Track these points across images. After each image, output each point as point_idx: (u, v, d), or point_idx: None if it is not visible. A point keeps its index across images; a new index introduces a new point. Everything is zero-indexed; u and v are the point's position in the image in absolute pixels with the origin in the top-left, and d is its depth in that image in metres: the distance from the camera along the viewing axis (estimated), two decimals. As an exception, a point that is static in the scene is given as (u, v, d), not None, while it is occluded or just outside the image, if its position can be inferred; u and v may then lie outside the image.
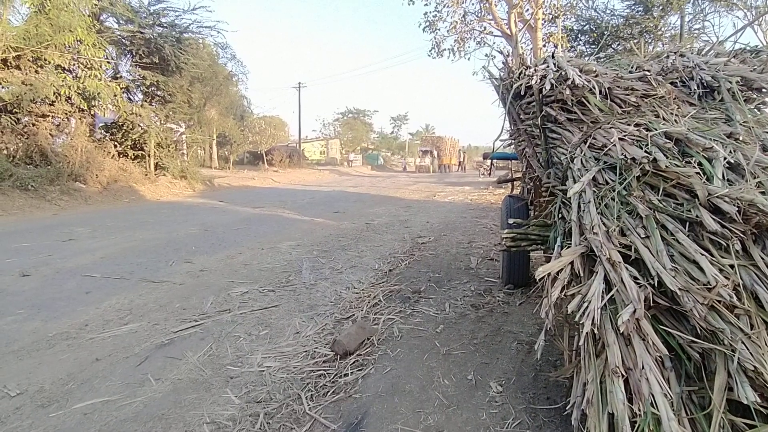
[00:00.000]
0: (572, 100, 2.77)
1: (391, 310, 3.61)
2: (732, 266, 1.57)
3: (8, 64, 11.15)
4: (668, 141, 2.08)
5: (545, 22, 15.67)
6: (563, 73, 2.87)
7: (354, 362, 2.74)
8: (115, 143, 13.75)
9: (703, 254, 1.59)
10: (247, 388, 2.45)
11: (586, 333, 1.53)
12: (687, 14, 13.33)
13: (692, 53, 3.41)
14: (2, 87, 11.16)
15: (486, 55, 17.21)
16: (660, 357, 1.45)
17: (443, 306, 3.72)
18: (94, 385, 2.47)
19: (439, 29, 17.02)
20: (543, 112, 2.94)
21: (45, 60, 11.36)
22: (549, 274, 1.82)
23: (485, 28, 17.18)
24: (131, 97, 14.63)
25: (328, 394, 2.39)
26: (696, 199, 1.78)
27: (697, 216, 1.73)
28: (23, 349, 2.93)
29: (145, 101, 14.79)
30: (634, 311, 1.47)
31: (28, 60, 11.38)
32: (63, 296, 4.01)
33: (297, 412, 2.22)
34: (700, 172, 1.88)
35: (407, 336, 3.13)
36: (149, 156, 14.49)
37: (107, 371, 2.63)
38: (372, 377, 2.56)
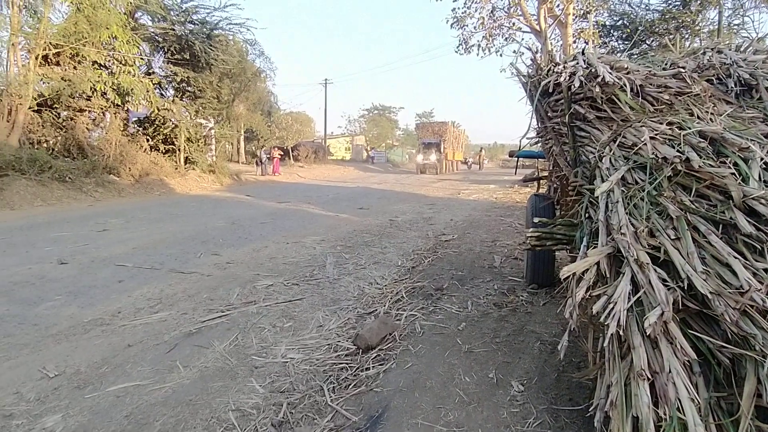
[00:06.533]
0: (602, 98, 2.71)
1: (413, 307, 3.62)
2: (766, 270, 1.52)
3: (49, 60, 11.63)
4: (702, 140, 2.02)
5: (576, 17, 15.29)
6: (593, 70, 2.81)
7: (376, 357, 2.76)
8: (147, 137, 14.18)
9: (736, 257, 1.55)
10: (271, 378, 2.51)
11: (611, 334, 1.51)
12: (726, 9, 12.80)
13: (730, 50, 3.29)
14: (43, 83, 11.64)
15: (514, 51, 16.93)
16: (688, 361, 1.42)
17: (466, 304, 3.71)
18: (126, 370, 2.58)
19: (466, 25, 16.83)
20: (571, 110, 2.89)
21: (82, 57, 11.80)
22: (574, 274, 1.79)
23: (514, 24, 16.89)
24: (163, 92, 15.06)
25: (350, 387, 2.43)
26: (730, 201, 1.73)
27: (731, 218, 1.68)
28: (61, 333, 3.08)
29: (176, 97, 15.20)
30: (662, 314, 1.44)
31: (67, 56, 11.85)
32: (98, 284, 4.18)
33: (319, 404, 2.26)
34: (736, 173, 1.82)
35: (429, 332, 3.14)
36: (179, 150, 14.90)
37: (138, 357, 2.74)
38: (393, 372, 2.58)
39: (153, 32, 14.14)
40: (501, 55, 17.58)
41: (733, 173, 1.80)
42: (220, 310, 3.54)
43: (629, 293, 1.58)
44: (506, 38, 17.12)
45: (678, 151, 1.98)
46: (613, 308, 1.53)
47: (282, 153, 25.56)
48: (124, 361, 2.69)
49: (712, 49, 3.30)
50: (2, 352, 2.78)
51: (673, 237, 1.70)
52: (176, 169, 14.61)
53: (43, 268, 4.66)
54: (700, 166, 1.86)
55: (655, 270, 1.59)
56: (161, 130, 14.49)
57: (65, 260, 4.97)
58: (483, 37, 16.93)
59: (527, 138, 4.06)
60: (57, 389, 2.37)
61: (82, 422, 2.09)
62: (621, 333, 1.51)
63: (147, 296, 3.86)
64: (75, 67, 11.97)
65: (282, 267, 4.89)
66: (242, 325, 3.25)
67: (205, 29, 14.81)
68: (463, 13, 16.61)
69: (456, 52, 17.65)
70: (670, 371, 1.36)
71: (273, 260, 5.19)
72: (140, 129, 14.70)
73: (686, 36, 13.19)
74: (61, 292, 3.93)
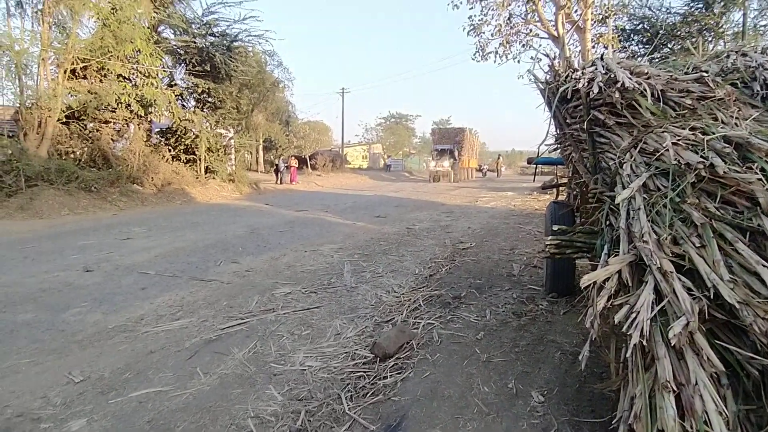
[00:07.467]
0: (622, 104, 2.67)
1: (431, 315, 3.60)
2: (797, 279, 1.46)
3: (77, 74, 12.03)
4: (727, 145, 1.97)
5: (595, 22, 15.13)
6: (612, 75, 2.78)
7: (393, 365, 2.75)
8: (169, 148, 14.52)
9: (765, 265, 1.50)
10: (290, 386, 2.52)
11: (634, 345, 1.47)
12: (752, 10, 12.52)
13: (756, 52, 3.22)
14: (71, 96, 12.04)
15: (531, 58, 16.82)
16: (716, 373, 1.38)
17: (484, 312, 3.67)
18: (148, 376, 2.62)
19: (483, 33, 16.80)
20: (590, 116, 2.85)
21: (108, 70, 12.17)
22: (595, 283, 1.77)
23: (531, 30, 16.80)
24: (184, 103, 15.41)
25: (368, 395, 2.42)
26: (758, 207, 1.68)
27: (758, 225, 1.63)
28: (86, 339, 3.15)
29: (197, 107, 15.52)
30: (687, 324, 1.40)
31: (94, 70, 12.24)
32: (121, 291, 4.27)
33: (337, 412, 2.26)
34: (763, 179, 1.77)
35: (447, 341, 3.11)
36: (200, 160, 15.19)
37: (160, 363, 2.78)
38: (411, 381, 2.57)
39: (175, 45, 14.51)
40: (518, 62, 17.49)
41: (760, 179, 1.75)
42: (240, 317, 3.58)
43: (653, 302, 1.54)
44: (523, 45, 17.02)
45: (702, 156, 1.93)
46: (636, 317, 1.50)
47: (297, 162, 25.76)
48: (146, 367, 2.74)
49: (736, 52, 3.23)
50: (31, 357, 2.86)
51: (697, 245, 1.66)
52: (197, 178, 14.89)
53: (69, 276, 4.78)
54: (725, 172, 1.81)
55: (679, 278, 1.56)
56: (183, 140, 14.80)
57: (90, 268, 5.10)
58: (500, 44, 16.88)
59: (546, 144, 4.03)
60: (82, 394, 2.42)
61: (106, 427, 2.13)
62: (644, 343, 1.48)
63: (169, 303, 3.93)
64: (101, 80, 12.35)
65: (300, 275, 4.93)
66: (261, 333, 3.28)
67: (225, 41, 15.13)
68: (479, 20, 16.61)
69: (473, 59, 17.61)
70: (696, 383, 1.32)
71: (291, 268, 5.23)
72: (163, 139, 15.05)
73: (709, 39, 12.93)
74: (87, 299, 4.03)
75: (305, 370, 2.71)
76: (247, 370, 2.71)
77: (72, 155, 12.26)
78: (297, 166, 24.71)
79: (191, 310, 3.77)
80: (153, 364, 2.78)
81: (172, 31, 14.76)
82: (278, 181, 21.73)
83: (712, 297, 1.50)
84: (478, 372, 2.66)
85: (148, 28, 12.89)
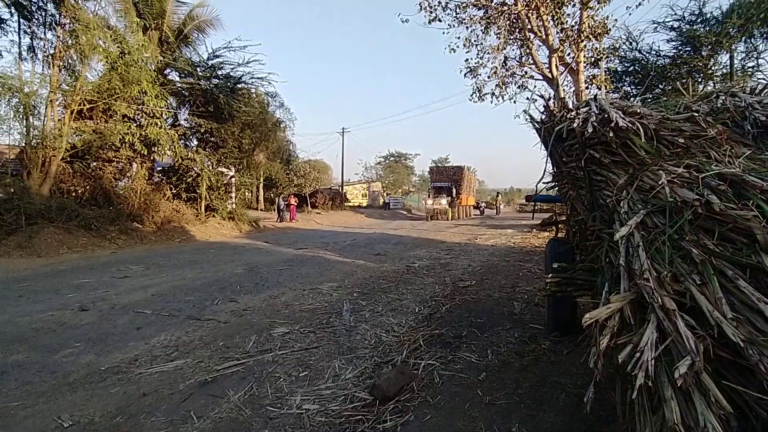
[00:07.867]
0: (616, 143, 2.72)
1: (431, 356, 3.52)
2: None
3: (83, 114, 12.31)
4: (722, 183, 2.00)
5: (587, 65, 15.61)
6: (606, 115, 2.84)
7: (393, 408, 2.67)
8: (171, 186, 14.63)
9: (767, 303, 1.49)
10: (286, 431, 2.44)
11: (640, 386, 1.44)
12: (739, 52, 12.93)
13: (744, 92, 3.31)
14: (76, 135, 12.27)
15: (527, 98, 17.20)
16: (724, 415, 1.34)
17: (486, 353, 3.60)
18: (140, 420, 2.54)
19: (480, 75, 17.29)
20: (586, 155, 2.90)
21: (114, 110, 12.46)
22: (597, 322, 1.74)
23: (526, 72, 17.31)
24: (187, 143, 15.68)
25: (367, 440, 2.33)
26: (756, 244, 1.68)
27: (758, 262, 1.63)
28: (77, 382, 3.07)
29: (200, 147, 15.79)
30: (693, 363, 1.37)
31: (100, 111, 12.52)
32: (116, 331, 4.19)
33: (334, 458, 2.17)
34: (759, 215, 1.78)
35: (448, 383, 3.03)
36: (201, 198, 15.28)
37: (153, 407, 2.70)
38: (411, 425, 2.48)
39: (180, 87, 14.93)
40: (515, 102, 17.91)
41: (756, 216, 1.76)
42: (236, 358, 3.51)
43: (656, 341, 1.51)
44: (519, 86, 17.47)
45: (697, 194, 1.95)
46: (640, 357, 1.47)
47: (297, 200, 25.94)
48: (138, 410, 2.65)
49: (725, 92, 3.32)
50: (20, 401, 2.78)
51: (698, 282, 1.65)
52: (197, 216, 14.93)
53: (64, 315, 4.71)
54: (721, 209, 1.82)
55: (682, 316, 1.54)
56: (184, 178, 14.96)
57: (86, 307, 5.03)
58: (496, 85, 17.32)
59: (543, 182, 4.07)
60: (70, 440, 2.34)
61: (93, 476, 2.04)
62: (650, 384, 1.44)
63: (164, 344, 3.85)
64: (106, 121, 12.62)
65: (298, 314, 4.86)
66: (257, 374, 3.20)
67: (229, 83, 15.57)
68: (476, 63, 17.13)
69: (470, 100, 18.04)
70: (705, 426, 1.28)
71: (289, 307, 5.16)
72: (164, 178, 15.21)
73: (699, 80, 13.31)
74: (80, 339, 3.95)
75: (302, 413, 2.63)
76: (242, 414, 2.62)
77: (74, 194, 12.35)
78: (296, 204, 24.86)
79: (187, 350, 3.69)
80: (145, 407, 2.70)
81: (178, 74, 15.23)
82: (278, 219, 21.81)
83: (716, 335, 1.47)
84: (480, 415, 2.58)
85: (155, 70, 13.31)
